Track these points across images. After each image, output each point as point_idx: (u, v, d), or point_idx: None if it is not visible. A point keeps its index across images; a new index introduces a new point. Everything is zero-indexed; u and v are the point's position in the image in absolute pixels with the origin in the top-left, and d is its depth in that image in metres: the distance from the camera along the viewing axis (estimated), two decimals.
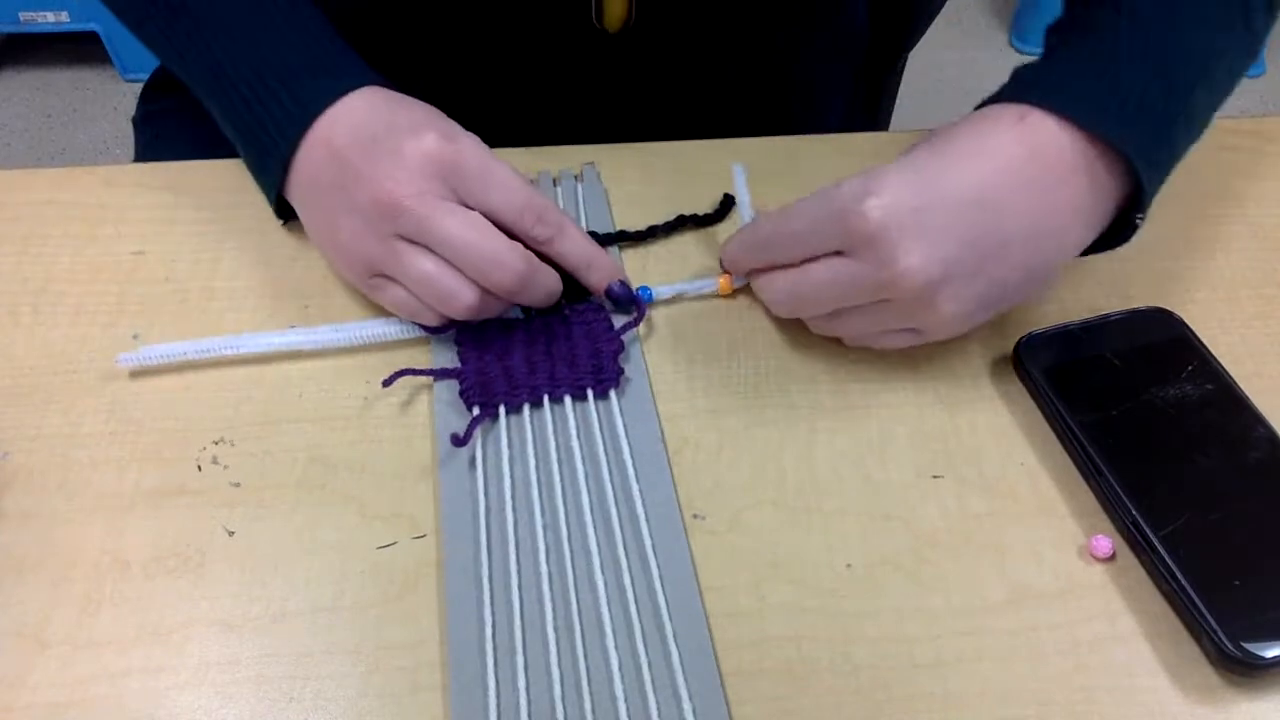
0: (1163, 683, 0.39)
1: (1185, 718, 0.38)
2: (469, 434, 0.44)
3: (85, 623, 0.40)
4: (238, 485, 0.44)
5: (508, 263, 0.44)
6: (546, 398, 0.46)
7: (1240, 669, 0.38)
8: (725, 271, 0.51)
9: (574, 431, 0.45)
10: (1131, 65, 0.44)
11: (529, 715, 0.37)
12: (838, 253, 0.44)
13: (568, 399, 0.46)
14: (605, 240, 0.53)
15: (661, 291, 0.51)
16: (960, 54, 2.00)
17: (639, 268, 0.53)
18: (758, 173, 0.56)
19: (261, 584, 0.41)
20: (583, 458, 0.44)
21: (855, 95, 0.82)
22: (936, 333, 0.45)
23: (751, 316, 0.51)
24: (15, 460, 0.45)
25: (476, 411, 0.45)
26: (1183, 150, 0.47)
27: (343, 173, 0.45)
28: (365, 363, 0.48)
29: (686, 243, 0.54)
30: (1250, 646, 0.38)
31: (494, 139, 0.48)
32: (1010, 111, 0.44)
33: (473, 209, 0.45)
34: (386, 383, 0.46)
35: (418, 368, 0.47)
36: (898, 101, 0.90)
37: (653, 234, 0.54)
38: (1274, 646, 0.38)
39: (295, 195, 0.49)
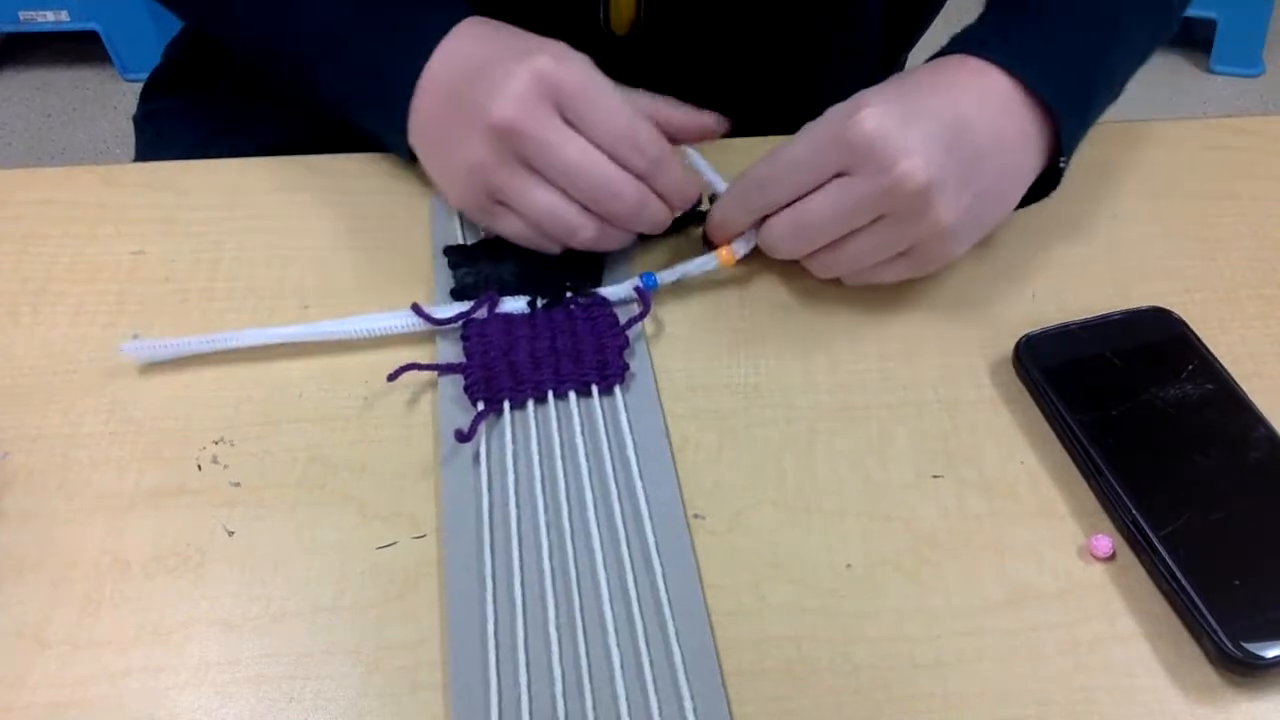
0: (1163, 683, 0.38)
1: (1185, 718, 0.38)
2: (473, 429, 0.44)
3: (85, 623, 0.40)
4: (238, 485, 0.44)
5: (622, 192, 0.46)
6: (551, 393, 0.46)
7: (1240, 669, 0.38)
8: (710, 244, 0.51)
9: (578, 428, 0.45)
10: (1059, 28, 0.50)
11: (530, 712, 0.37)
12: (835, 178, 0.45)
13: (572, 395, 0.46)
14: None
15: (664, 276, 0.50)
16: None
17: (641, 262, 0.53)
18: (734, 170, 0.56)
19: (261, 584, 0.41)
20: (586, 454, 0.44)
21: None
22: (934, 252, 0.47)
23: (752, 316, 0.51)
24: (15, 460, 0.45)
25: (481, 407, 0.45)
26: (1099, 108, 0.52)
27: (458, 105, 0.46)
28: (365, 362, 0.48)
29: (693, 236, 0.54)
30: (1250, 646, 0.38)
31: None
32: (957, 59, 0.49)
33: (579, 132, 0.46)
34: (391, 377, 0.46)
35: (423, 363, 0.47)
36: None
37: (676, 227, 0.53)
38: (1274, 646, 0.38)
39: (416, 139, 0.50)
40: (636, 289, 0.49)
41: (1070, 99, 0.49)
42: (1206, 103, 1.90)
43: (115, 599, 0.40)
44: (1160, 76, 1.94)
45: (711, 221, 0.50)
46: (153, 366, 0.48)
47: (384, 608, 0.40)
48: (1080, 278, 0.52)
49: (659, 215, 0.48)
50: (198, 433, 0.46)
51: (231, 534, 0.42)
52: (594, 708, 0.37)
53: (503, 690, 0.37)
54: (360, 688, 0.38)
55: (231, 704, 0.38)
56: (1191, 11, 1.86)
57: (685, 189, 0.49)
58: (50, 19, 1.83)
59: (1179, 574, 0.40)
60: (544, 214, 0.47)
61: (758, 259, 0.51)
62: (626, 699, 0.37)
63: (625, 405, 0.46)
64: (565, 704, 0.37)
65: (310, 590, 0.41)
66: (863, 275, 0.49)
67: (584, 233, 0.47)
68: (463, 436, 0.44)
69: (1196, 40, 1.97)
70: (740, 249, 0.50)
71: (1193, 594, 0.39)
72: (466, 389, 0.46)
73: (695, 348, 0.49)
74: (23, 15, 1.82)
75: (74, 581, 0.41)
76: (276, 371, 0.48)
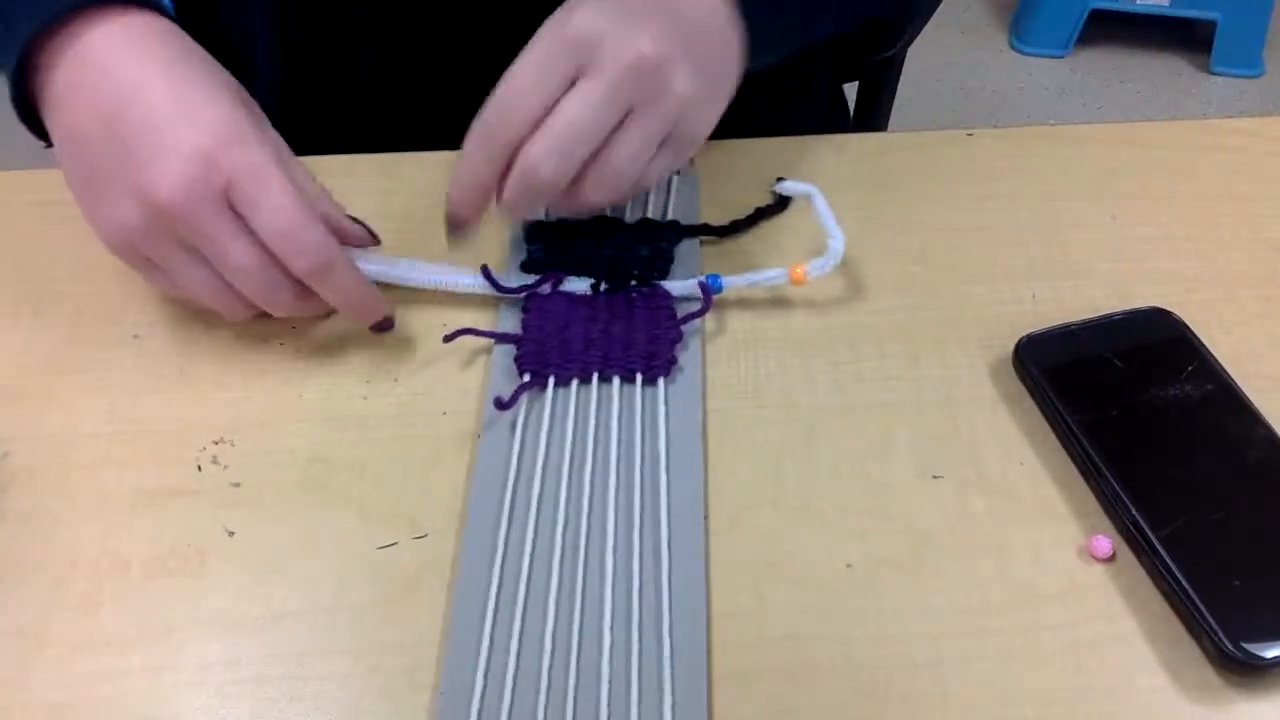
0: (1163, 683, 0.38)
1: (1185, 718, 0.38)
2: (515, 398, 0.45)
3: (85, 623, 0.40)
4: (238, 485, 0.44)
5: (278, 298, 0.44)
6: (596, 376, 0.47)
7: (1240, 669, 0.38)
8: (453, 225, 0.48)
9: (616, 413, 0.46)
10: None
11: (515, 670, 0.38)
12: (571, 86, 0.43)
13: (616, 380, 0.47)
14: (689, 233, 0.53)
15: (730, 281, 0.50)
16: (960, 54, 2.00)
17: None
18: (758, 173, 0.56)
19: (261, 584, 0.41)
20: (619, 441, 0.45)
21: (835, 94, 0.81)
22: (687, 130, 0.46)
23: (751, 316, 0.50)
24: (15, 460, 0.45)
25: (527, 378, 0.46)
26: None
27: (114, 141, 0.42)
28: (365, 362, 0.48)
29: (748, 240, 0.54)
30: (1250, 646, 0.38)
31: (464, 130, 0.47)
32: None
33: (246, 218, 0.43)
34: (448, 338, 0.48)
35: (480, 328, 0.48)
36: (897, 101, 0.90)
37: (735, 229, 0.53)
38: (1274, 646, 0.38)
39: (51, 118, 0.45)
40: (701, 285, 0.49)
41: (756, 17, 0.48)
42: (1206, 103, 1.90)
43: (115, 599, 0.40)
44: (1160, 77, 1.94)
45: (459, 179, 0.46)
46: (153, 366, 0.48)
47: (384, 608, 0.40)
48: (1080, 278, 0.52)
49: (321, 309, 0.46)
50: (198, 433, 0.46)
51: (231, 534, 0.42)
52: (575, 688, 0.38)
53: (495, 642, 0.39)
54: (360, 688, 0.38)
55: (231, 704, 0.38)
56: (1192, 12, 1.88)
57: (354, 299, 0.46)
58: None
59: (1179, 574, 0.40)
60: (198, 290, 0.44)
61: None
62: (609, 680, 0.38)
63: (666, 398, 0.46)
64: (550, 675, 0.38)
65: (310, 590, 0.41)
66: (634, 179, 0.46)
67: (236, 315, 0.45)
68: (502, 404, 0.45)
69: (1197, 41, 1.97)
70: (814, 271, 0.49)
71: (1193, 594, 0.39)
72: (517, 359, 0.47)
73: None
74: None
75: (74, 581, 0.41)
76: (276, 371, 0.48)
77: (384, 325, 0.48)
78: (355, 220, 0.49)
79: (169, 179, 0.41)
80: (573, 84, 0.43)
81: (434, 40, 0.63)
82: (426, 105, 0.50)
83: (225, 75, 0.46)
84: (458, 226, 0.47)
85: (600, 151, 0.44)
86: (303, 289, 0.45)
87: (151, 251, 0.43)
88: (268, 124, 0.46)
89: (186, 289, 0.45)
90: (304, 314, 0.47)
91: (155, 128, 0.42)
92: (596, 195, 0.46)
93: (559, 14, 0.44)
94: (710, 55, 0.47)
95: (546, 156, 0.43)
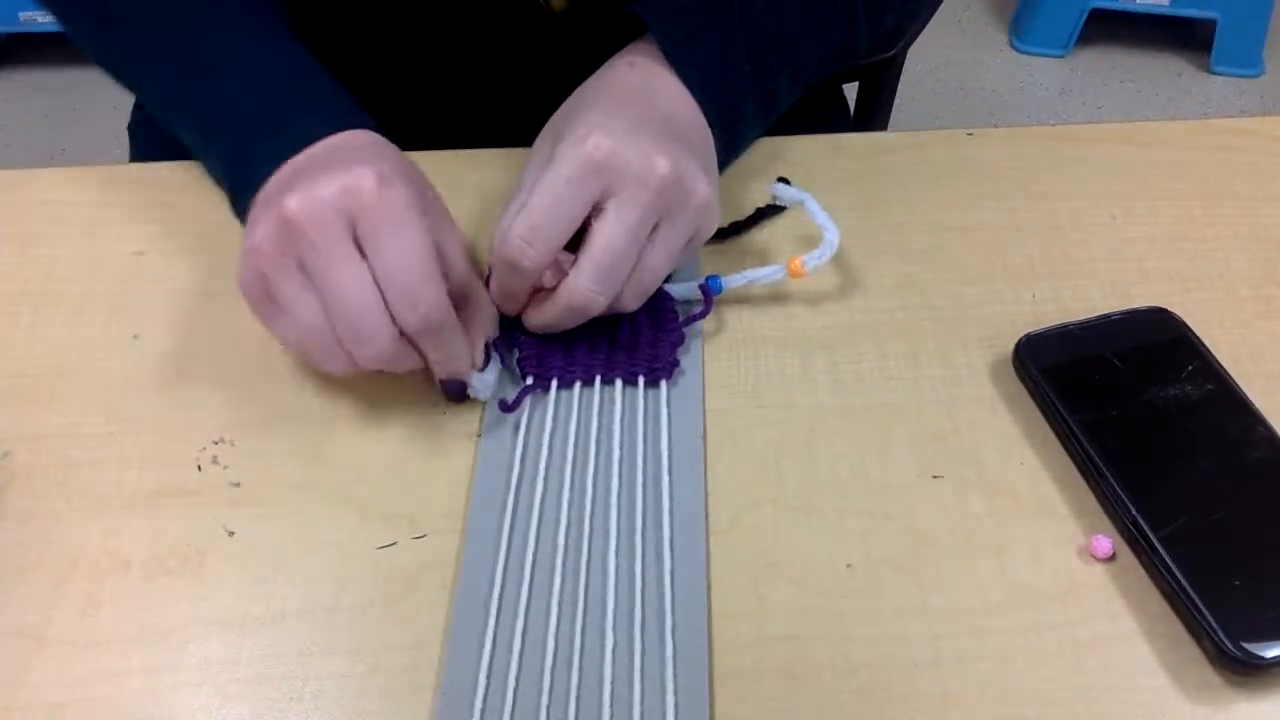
0: (1163, 683, 0.39)
1: (1185, 718, 0.38)
2: (518, 401, 0.45)
3: (85, 622, 0.40)
4: (238, 485, 0.44)
5: (372, 340, 0.41)
6: (599, 378, 0.47)
7: (1240, 669, 0.38)
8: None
9: (618, 415, 0.46)
10: (733, 51, 0.52)
11: (518, 670, 0.38)
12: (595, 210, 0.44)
13: (619, 382, 0.47)
14: None
15: (730, 281, 0.50)
16: (960, 54, 2.00)
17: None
18: (758, 173, 0.56)
19: (261, 584, 0.41)
20: (621, 443, 0.45)
21: (835, 94, 0.81)
22: (705, 230, 0.48)
23: (751, 316, 0.51)
24: (15, 460, 0.45)
25: (529, 381, 0.46)
26: (750, 130, 0.56)
27: (278, 187, 0.44)
28: None
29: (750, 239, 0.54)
30: (1250, 646, 0.38)
31: (447, 129, 0.47)
32: (630, 64, 0.51)
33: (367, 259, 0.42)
34: None
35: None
36: (897, 101, 0.90)
37: (735, 230, 0.54)
38: (1274, 646, 0.38)
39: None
40: (701, 287, 0.49)
41: (726, 124, 0.52)
42: (1206, 103, 1.90)
43: (115, 599, 0.40)
44: (1160, 77, 1.94)
45: (494, 296, 0.47)
46: (153, 366, 0.48)
47: (384, 608, 0.40)
48: (1080, 278, 0.52)
49: (415, 365, 0.44)
50: (198, 433, 0.46)
51: (231, 534, 0.42)
52: (579, 684, 0.38)
53: (498, 640, 0.39)
54: (360, 688, 0.38)
55: (231, 704, 0.38)
56: (1192, 12, 1.88)
57: (451, 365, 0.45)
58: (50, 20, 1.83)
59: (1179, 574, 0.40)
60: (303, 327, 0.42)
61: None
62: (612, 681, 0.38)
63: (668, 401, 0.46)
64: (552, 678, 0.38)
65: (310, 590, 0.41)
66: (666, 270, 0.47)
67: (333, 365, 0.43)
68: (506, 406, 0.45)
69: (1197, 40, 1.97)
70: (811, 262, 0.49)
71: (1193, 594, 0.39)
72: (520, 361, 0.47)
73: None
74: (23, 16, 1.82)
75: (74, 581, 0.41)
76: (276, 371, 0.48)
77: (456, 391, 0.46)
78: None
79: (305, 200, 0.41)
80: (596, 206, 0.44)
81: (430, 40, 0.63)
82: (424, 106, 0.50)
83: (399, 154, 0.47)
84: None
85: (636, 264, 0.45)
86: (403, 343, 0.43)
87: (273, 273, 0.42)
88: (437, 199, 0.46)
89: (296, 324, 0.42)
90: (398, 369, 0.43)
91: (308, 173, 0.43)
92: (634, 304, 0.47)
93: (574, 137, 0.45)
94: (707, 155, 0.49)
95: (597, 288, 0.44)
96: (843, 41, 0.58)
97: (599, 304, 0.45)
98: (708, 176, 0.47)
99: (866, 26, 0.59)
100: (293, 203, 0.41)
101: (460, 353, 0.44)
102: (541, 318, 0.47)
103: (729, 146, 0.53)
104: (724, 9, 0.53)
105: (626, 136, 0.45)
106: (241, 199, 0.46)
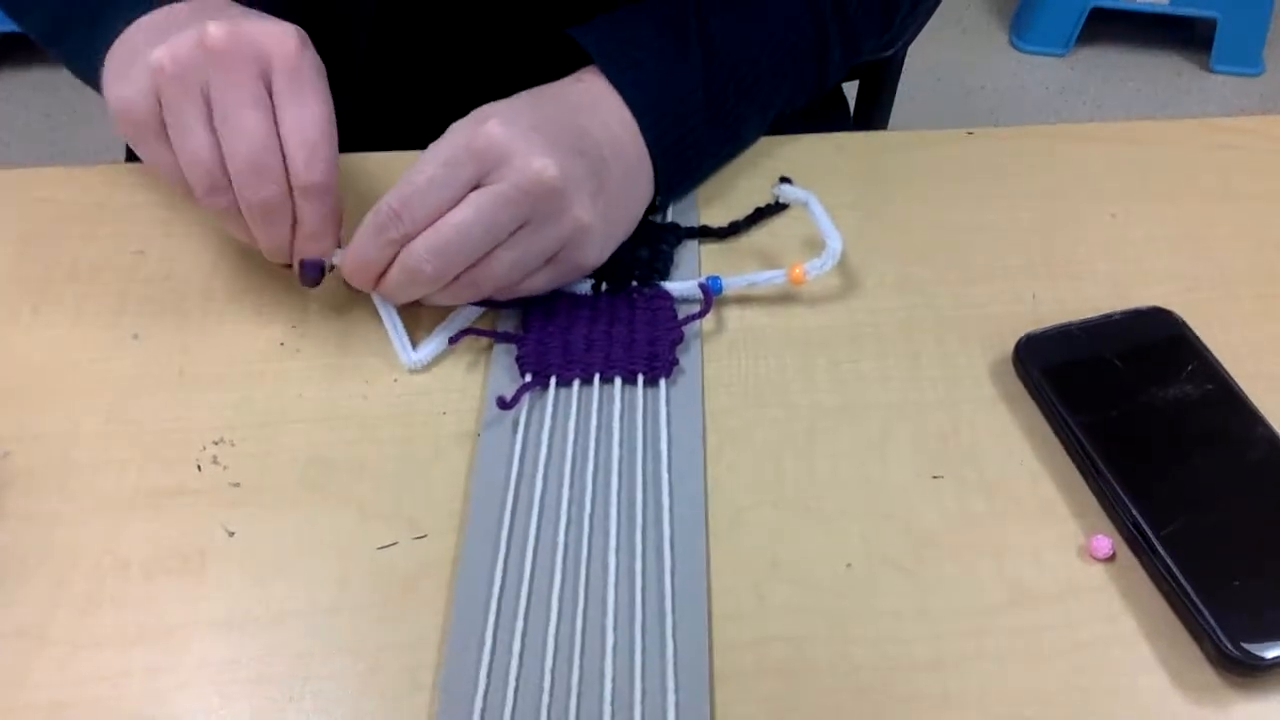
0: (1163, 683, 0.38)
1: (1185, 718, 0.38)
2: (516, 398, 0.45)
3: (86, 622, 0.40)
4: (238, 485, 0.44)
5: (266, 181, 0.43)
6: (598, 376, 0.47)
7: (1240, 669, 0.38)
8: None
9: (618, 413, 0.46)
10: (688, 82, 0.52)
11: (519, 669, 0.38)
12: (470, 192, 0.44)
13: (618, 381, 0.47)
14: (688, 234, 0.53)
15: (731, 282, 0.50)
16: (960, 54, 2.00)
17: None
18: (758, 172, 0.56)
19: (261, 584, 0.41)
20: (620, 441, 0.45)
21: (835, 93, 0.81)
22: (575, 256, 0.47)
23: (751, 316, 0.51)
24: (15, 460, 0.45)
25: (528, 378, 0.46)
26: (702, 168, 0.55)
27: (177, 17, 0.45)
28: (365, 362, 0.48)
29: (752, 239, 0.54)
30: (1250, 646, 0.38)
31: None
32: (584, 79, 0.51)
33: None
34: (453, 340, 0.48)
35: (482, 328, 0.48)
36: (897, 101, 0.90)
37: (734, 229, 0.54)
38: (1274, 646, 0.38)
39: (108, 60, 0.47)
40: (701, 286, 0.49)
41: (671, 154, 0.51)
42: (1207, 102, 1.90)
43: (115, 599, 0.40)
44: (1161, 76, 1.94)
45: (350, 261, 0.46)
46: (153, 366, 0.48)
47: (384, 608, 0.40)
48: (1080, 278, 0.52)
49: (280, 236, 0.45)
50: (198, 433, 0.46)
51: (232, 534, 0.42)
52: (579, 682, 0.38)
53: (498, 640, 0.39)
54: (360, 688, 0.38)
55: (231, 704, 0.38)
56: (1192, 11, 1.88)
57: (318, 241, 0.45)
58: None
59: (1179, 574, 0.40)
60: (192, 156, 0.43)
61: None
62: (613, 679, 0.38)
63: (668, 399, 0.46)
64: (553, 677, 0.38)
65: (310, 590, 0.41)
66: (512, 288, 0.47)
67: (212, 200, 0.44)
68: (504, 404, 0.45)
69: (1197, 39, 1.97)
70: (813, 271, 0.49)
71: (1193, 594, 0.39)
72: (518, 359, 0.47)
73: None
74: None
75: (74, 581, 0.41)
76: (276, 371, 0.48)
77: (314, 274, 0.47)
78: None
79: (226, 27, 0.42)
80: (473, 189, 0.44)
81: (426, 39, 0.63)
82: (417, 105, 0.50)
83: None
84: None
85: (482, 258, 0.45)
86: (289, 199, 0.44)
87: (172, 91, 0.42)
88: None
89: (185, 151, 0.43)
90: (267, 230, 0.45)
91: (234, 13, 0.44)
92: (464, 296, 0.47)
93: (474, 116, 0.45)
94: (617, 184, 0.48)
95: (430, 257, 0.44)
96: (813, 73, 0.58)
97: (425, 275, 0.44)
98: (594, 201, 0.46)
99: (841, 55, 0.59)
100: (215, 30, 0.41)
101: (330, 229, 0.45)
102: (384, 286, 0.46)
103: (678, 172, 0.53)
104: (678, 37, 0.52)
105: (522, 131, 0.44)
106: (102, 46, 0.47)
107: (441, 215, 0.44)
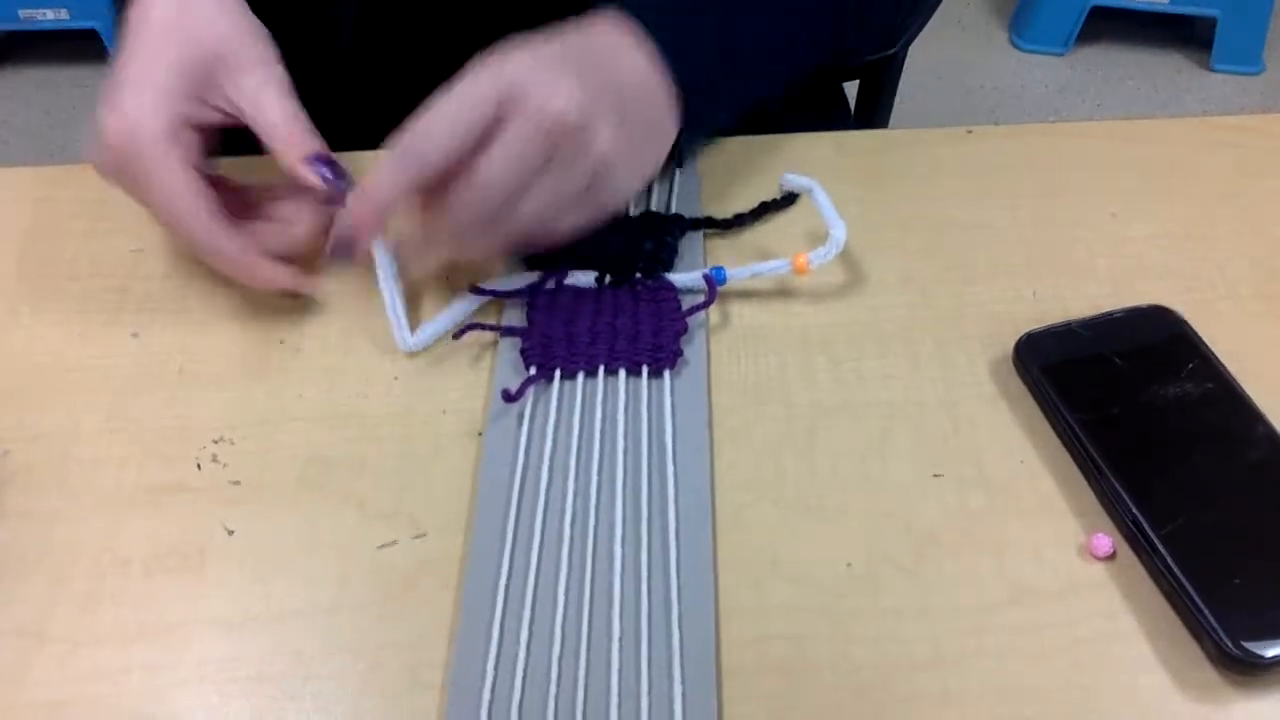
0: (1163, 682, 0.38)
1: (1185, 717, 0.38)
2: (521, 391, 0.45)
3: (85, 621, 0.40)
4: (238, 484, 0.44)
5: (217, 256, 0.47)
6: (602, 368, 0.47)
7: (1240, 669, 0.38)
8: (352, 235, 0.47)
9: (622, 405, 0.46)
10: (704, 25, 0.52)
11: (526, 661, 0.38)
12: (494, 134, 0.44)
13: (622, 373, 0.47)
14: (692, 226, 0.53)
15: (735, 273, 0.50)
16: (961, 52, 1.99)
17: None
18: (759, 170, 0.56)
19: (261, 583, 0.41)
20: (625, 433, 0.45)
21: (835, 91, 0.81)
22: (604, 190, 0.47)
23: (752, 313, 0.50)
24: (15, 459, 0.45)
25: (533, 371, 0.46)
26: (729, 108, 0.55)
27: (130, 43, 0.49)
28: (365, 361, 0.48)
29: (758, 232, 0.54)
30: (1250, 646, 0.38)
31: None
32: (606, 25, 0.49)
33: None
34: (457, 335, 0.48)
35: (486, 323, 0.48)
36: (898, 100, 0.90)
37: (739, 221, 0.54)
38: (1274, 646, 0.38)
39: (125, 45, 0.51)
40: (705, 277, 0.49)
41: (691, 88, 0.50)
42: (1207, 101, 1.90)
43: (115, 597, 0.40)
44: (1160, 74, 1.94)
45: (365, 194, 0.45)
46: (153, 366, 0.48)
47: (384, 606, 0.40)
48: (1080, 277, 0.52)
49: (263, 270, 0.48)
50: (198, 432, 0.46)
51: (231, 533, 0.42)
52: (586, 674, 0.38)
53: (505, 632, 0.39)
54: (360, 687, 0.38)
55: (231, 703, 0.38)
56: (1192, 10, 1.88)
57: (243, 276, 0.48)
58: (50, 17, 1.83)
59: (1179, 573, 0.40)
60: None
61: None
62: (619, 669, 0.38)
63: (672, 390, 0.46)
64: (560, 668, 0.38)
65: (310, 589, 0.41)
66: (550, 226, 0.47)
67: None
68: (509, 397, 0.45)
69: (1197, 38, 1.96)
70: (817, 259, 0.49)
71: (1193, 594, 0.39)
72: (523, 352, 0.47)
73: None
74: (23, 14, 1.82)
75: (74, 580, 0.41)
76: (276, 371, 0.48)
77: (327, 170, 0.48)
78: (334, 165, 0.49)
79: (111, 127, 0.47)
80: (494, 122, 0.44)
81: (408, 38, 0.63)
82: (399, 104, 0.50)
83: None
84: (344, 248, 0.47)
85: (515, 201, 0.45)
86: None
87: (116, 184, 0.47)
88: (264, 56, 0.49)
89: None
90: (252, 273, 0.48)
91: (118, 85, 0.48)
92: (498, 242, 0.47)
93: (495, 56, 0.45)
94: (639, 119, 0.47)
95: (466, 211, 0.44)
96: (828, 32, 0.57)
97: (454, 220, 0.45)
98: (623, 137, 0.45)
99: (855, 18, 0.59)
100: (108, 137, 0.46)
101: (243, 268, 0.48)
102: (410, 238, 0.47)
103: (699, 108, 0.51)
104: None
105: (546, 66, 0.44)
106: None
107: (461, 152, 0.44)
